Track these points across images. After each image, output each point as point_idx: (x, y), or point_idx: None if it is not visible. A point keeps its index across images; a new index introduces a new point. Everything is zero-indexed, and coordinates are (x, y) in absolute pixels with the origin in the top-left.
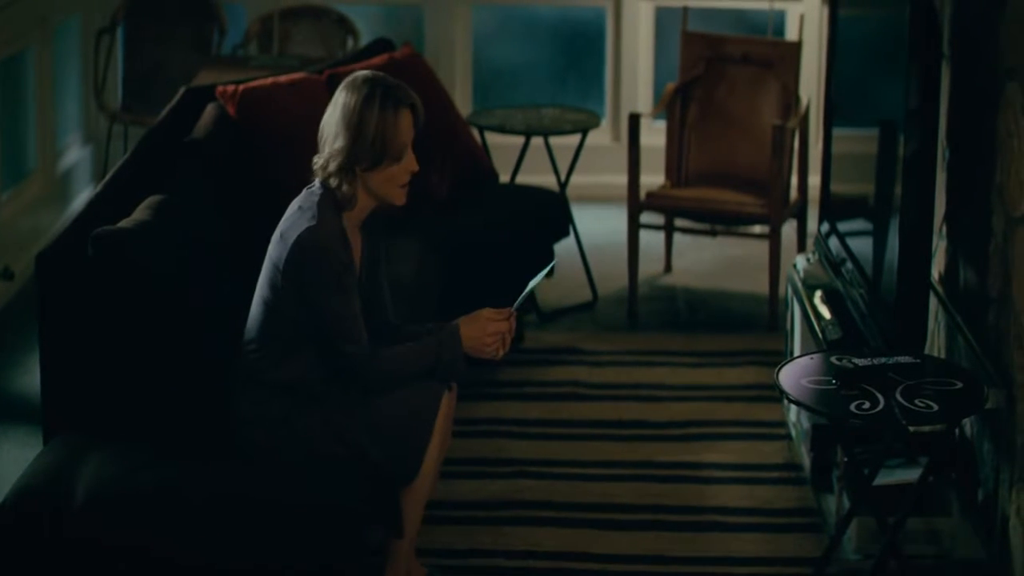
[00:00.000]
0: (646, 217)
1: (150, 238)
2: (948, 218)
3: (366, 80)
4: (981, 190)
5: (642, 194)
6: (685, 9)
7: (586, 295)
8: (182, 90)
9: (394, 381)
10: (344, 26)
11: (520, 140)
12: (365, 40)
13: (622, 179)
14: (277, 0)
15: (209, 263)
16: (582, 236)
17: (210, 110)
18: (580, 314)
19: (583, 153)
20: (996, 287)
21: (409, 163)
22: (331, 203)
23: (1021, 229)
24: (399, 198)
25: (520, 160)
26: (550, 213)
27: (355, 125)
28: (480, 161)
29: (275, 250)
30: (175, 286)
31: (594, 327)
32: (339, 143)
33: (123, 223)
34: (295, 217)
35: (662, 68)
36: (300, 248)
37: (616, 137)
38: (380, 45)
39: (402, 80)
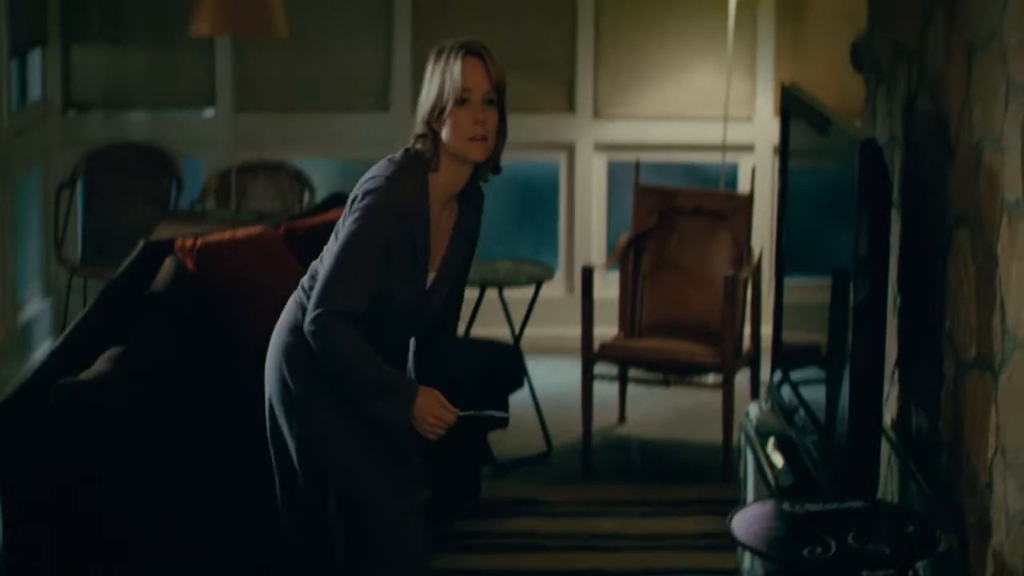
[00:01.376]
0: (600, 368)
1: (111, 389)
2: (900, 364)
3: (439, 44)
4: (932, 336)
5: (596, 345)
6: (637, 163)
7: (541, 446)
8: (141, 243)
9: (336, 360)
10: (300, 181)
11: (475, 292)
12: (321, 194)
13: (576, 331)
14: (234, 156)
15: (170, 414)
16: (536, 387)
17: (169, 263)
18: (535, 465)
19: (537, 305)
20: (948, 431)
21: (474, 111)
22: (413, 164)
23: (972, 374)
24: (472, 151)
25: (475, 312)
26: (504, 365)
27: (426, 80)
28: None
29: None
30: (136, 437)
31: (549, 478)
32: (419, 105)
33: (84, 374)
34: (370, 175)
35: (615, 220)
36: (360, 198)
37: (570, 289)
38: (337, 199)
39: None
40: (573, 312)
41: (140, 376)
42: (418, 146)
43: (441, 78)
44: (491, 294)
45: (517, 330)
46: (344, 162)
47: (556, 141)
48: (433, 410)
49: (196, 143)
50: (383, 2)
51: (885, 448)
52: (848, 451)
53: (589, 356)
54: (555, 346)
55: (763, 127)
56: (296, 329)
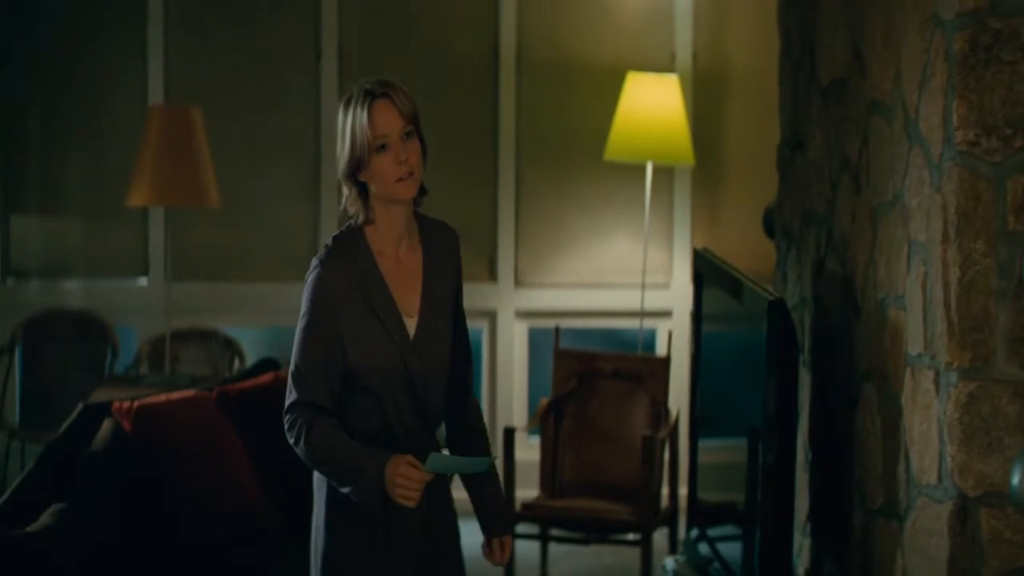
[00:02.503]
0: (522, 527)
1: (55, 543)
2: (812, 516)
3: (347, 92)
4: (842, 487)
5: (518, 505)
6: (557, 329)
7: None
8: (80, 406)
9: (310, 454)
10: (231, 348)
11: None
12: (251, 360)
13: None
14: (167, 323)
15: (111, 568)
16: (462, 547)
17: (107, 425)
18: None
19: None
20: None
21: (395, 152)
22: (344, 233)
23: (879, 521)
24: (401, 191)
25: None
26: None
27: (339, 135)
28: None
29: None
30: None
31: None
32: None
33: (29, 528)
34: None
35: (536, 384)
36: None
37: (493, 451)
38: (267, 364)
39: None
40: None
41: (82, 530)
42: (351, 203)
43: (352, 131)
44: None
45: None
46: (272, 329)
47: (479, 309)
48: (399, 471)
49: (130, 311)
50: (310, 174)
51: None
52: None
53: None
54: None
55: (680, 293)
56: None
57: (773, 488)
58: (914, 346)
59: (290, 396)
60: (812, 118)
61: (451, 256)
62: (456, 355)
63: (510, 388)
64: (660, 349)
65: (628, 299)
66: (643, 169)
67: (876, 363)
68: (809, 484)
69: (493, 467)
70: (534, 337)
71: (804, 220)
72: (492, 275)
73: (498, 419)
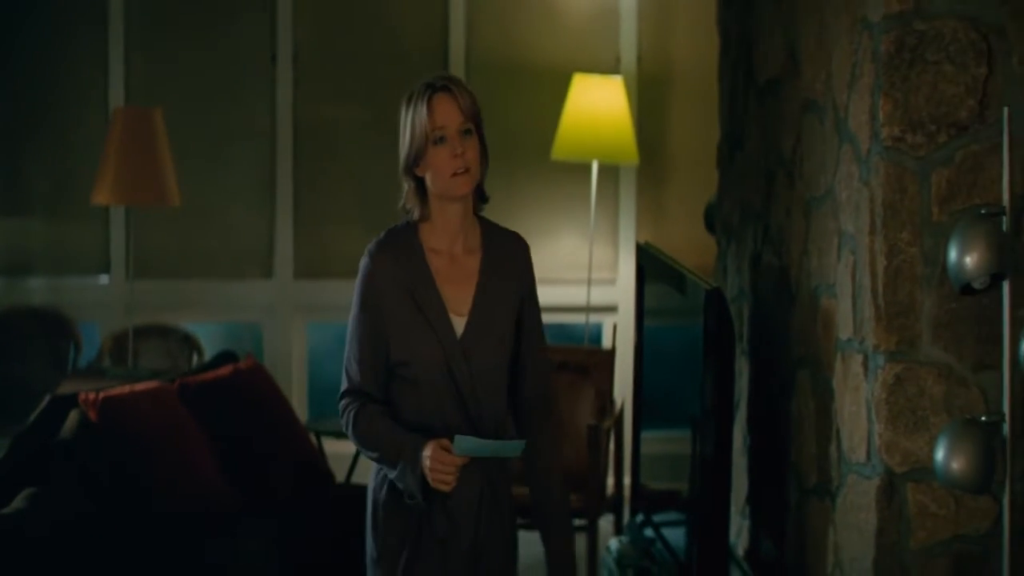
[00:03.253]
0: None
1: (27, 523)
2: (751, 498)
3: (410, 88)
4: (779, 469)
5: None
6: None
7: None
8: (48, 397)
9: (357, 439)
10: (189, 343)
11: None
12: (209, 354)
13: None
14: (129, 319)
15: (80, 548)
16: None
17: (73, 415)
18: None
19: None
20: (793, 555)
21: (452, 146)
22: (398, 226)
23: (812, 499)
24: (456, 187)
25: (354, 463)
26: None
27: (401, 128)
28: (317, 463)
29: None
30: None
31: None
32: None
33: (3, 510)
34: None
35: None
36: None
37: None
38: (225, 357)
39: (246, 387)
40: None
41: (53, 511)
42: (407, 200)
43: (412, 123)
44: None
45: None
46: (230, 324)
47: None
48: (431, 455)
49: (92, 308)
50: (266, 174)
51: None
52: (697, 566)
53: None
54: None
55: (625, 288)
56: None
57: (710, 472)
58: (844, 332)
59: (342, 384)
60: (749, 117)
61: (515, 263)
62: (521, 365)
63: None
64: (606, 343)
65: (575, 295)
66: (589, 168)
67: (810, 349)
68: (748, 468)
69: (569, 516)
70: None
71: (742, 215)
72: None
73: None
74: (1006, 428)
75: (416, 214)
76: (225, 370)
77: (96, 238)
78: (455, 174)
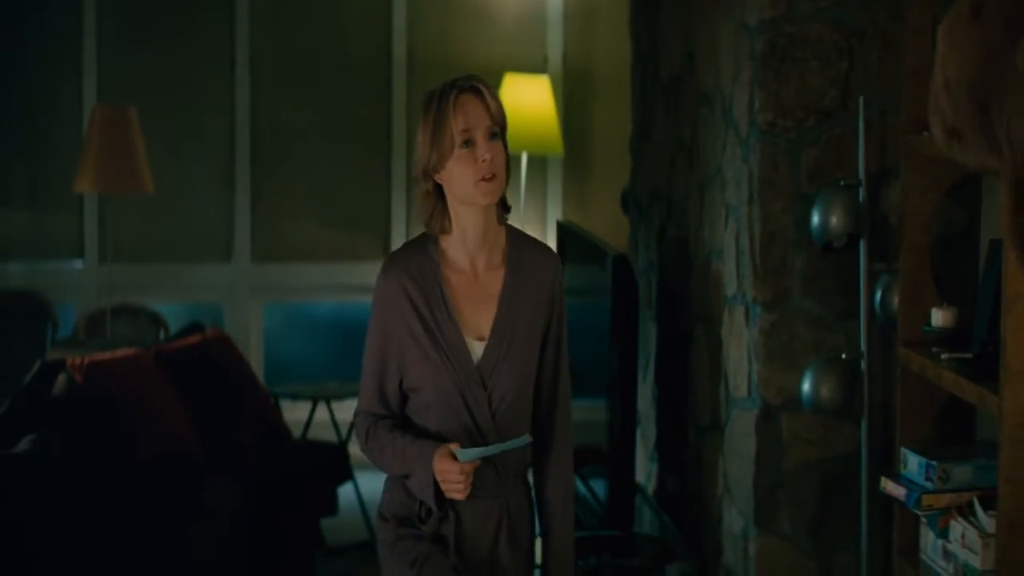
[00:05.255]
0: None
1: (32, 462)
2: (658, 444)
3: (429, 90)
4: (682, 415)
5: None
6: None
7: (363, 534)
8: (38, 363)
9: (373, 457)
10: (157, 321)
11: (307, 406)
12: (174, 333)
13: None
14: (105, 299)
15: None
16: (363, 488)
17: (61, 378)
18: (361, 550)
19: None
20: (692, 485)
21: (480, 150)
22: (417, 238)
23: (707, 435)
24: (481, 194)
25: (308, 424)
26: (333, 462)
27: (420, 131)
28: (276, 420)
29: None
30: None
31: (375, 563)
32: (415, 156)
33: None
34: None
35: None
36: None
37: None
38: (193, 328)
39: (213, 354)
40: None
41: (50, 452)
42: (425, 207)
43: (435, 125)
44: (321, 410)
45: (343, 436)
46: (193, 304)
47: (371, 285)
48: (438, 467)
49: (67, 290)
50: (225, 168)
51: (647, 512)
52: (608, 502)
53: None
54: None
55: None
56: None
57: (616, 436)
58: (730, 289)
59: (358, 403)
60: (656, 109)
61: (543, 282)
62: (543, 388)
63: None
64: None
65: None
66: (519, 159)
67: (704, 307)
68: (656, 418)
69: (572, 517)
70: None
71: (650, 196)
72: (386, 253)
73: None
74: (863, 364)
75: (435, 226)
76: (194, 339)
77: (71, 225)
78: (482, 179)
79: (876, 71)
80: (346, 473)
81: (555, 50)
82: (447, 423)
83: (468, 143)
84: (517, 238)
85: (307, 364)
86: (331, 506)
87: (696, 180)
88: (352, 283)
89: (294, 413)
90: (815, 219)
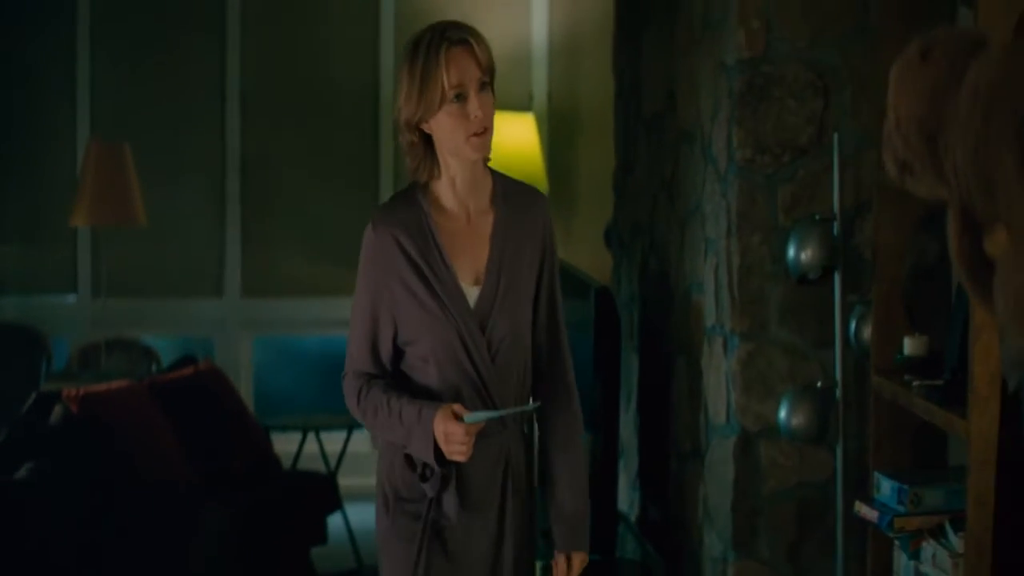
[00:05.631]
0: None
1: (32, 488)
2: (640, 472)
3: (413, 36)
4: (664, 444)
5: None
6: None
7: (352, 563)
8: (35, 394)
9: (365, 419)
10: (149, 355)
11: (297, 437)
12: (166, 367)
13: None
14: (93, 333)
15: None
16: (351, 518)
17: (58, 409)
18: None
19: (349, 457)
20: (675, 512)
21: (471, 104)
22: (408, 189)
23: (687, 463)
24: (472, 148)
25: (299, 452)
26: (323, 491)
27: (403, 81)
28: (267, 451)
29: None
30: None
31: None
32: (396, 104)
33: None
34: None
35: None
36: None
37: (375, 445)
38: (186, 360)
39: (206, 385)
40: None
41: (49, 478)
42: (408, 163)
43: (423, 77)
44: (310, 441)
45: (333, 467)
46: (185, 338)
47: None
48: (440, 429)
49: (61, 323)
50: (217, 201)
51: (630, 539)
52: (592, 529)
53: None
54: (367, 492)
55: None
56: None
57: (600, 446)
58: (709, 320)
59: (345, 365)
60: (639, 146)
61: (533, 222)
62: (540, 336)
63: None
64: None
65: None
66: None
67: (684, 338)
68: (638, 447)
69: (581, 470)
70: None
71: (633, 231)
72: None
73: None
74: (838, 392)
75: (423, 173)
76: (187, 371)
77: (65, 260)
78: (473, 135)
79: (850, 109)
80: (335, 503)
81: (540, 88)
82: (446, 373)
83: (460, 97)
84: (504, 180)
85: (296, 397)
86: (320, 535)
87: (677, 215)
88: (340, 318)
89: (284, 444)
90: (791, 252)
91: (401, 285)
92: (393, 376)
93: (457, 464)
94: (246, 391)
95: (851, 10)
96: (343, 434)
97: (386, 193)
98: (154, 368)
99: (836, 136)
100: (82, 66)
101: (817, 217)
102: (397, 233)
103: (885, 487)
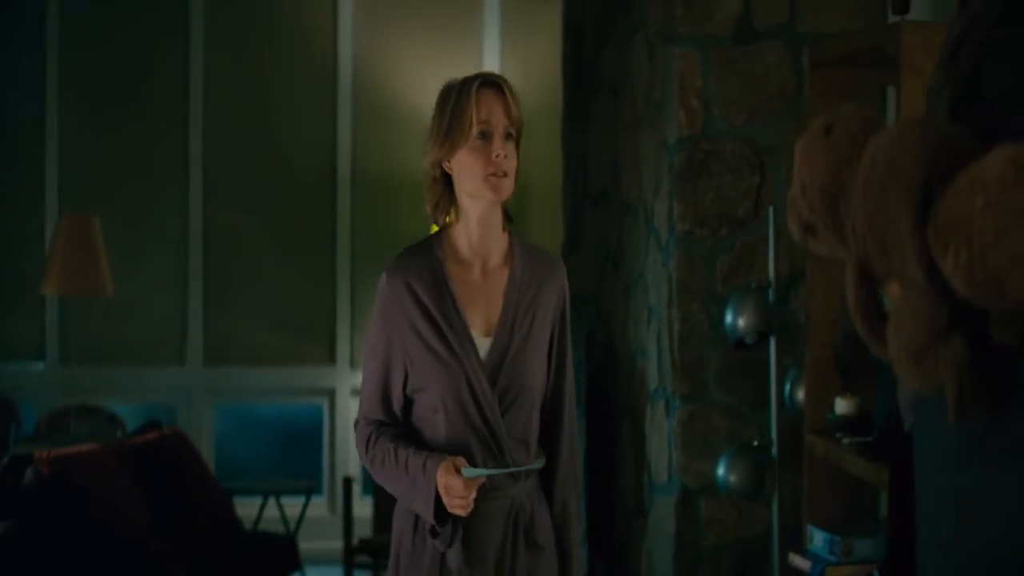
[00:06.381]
0: (360, 558)
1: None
2: (588, 533)
3: (446, 82)
4: (609, 504)
5: (355, 541)
6: None
7: None
8: (6, 458)
9: (372, 467)
10: (114, 421)
11: (257, 501)
12: (130, 430)
13: (338, 543)
14: (61, 400)
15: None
16: None
17: (29, 471)
18: None
19: (307, 522)
20: (618, 570)
21: (494, 146)
22: (426, 239)
23: (633, 521)
24: (490, 188)
25: (259, 515)
26: (283, 552)
27: (434, 121)
28: (229, 513)
29: None
30: None
31: None
32: (425, 148)
33: None
34: None
35: None
36: None
37: (333, 509)
38: (151, 425)
39: (171, 449)
40: (336, 527)
41: (21, 539)
42: (427, 207)
43: (453, 114)
44: (270, 506)
45: (291, 529)
46: (148, 405)
47: (319, 387)
48: (442, 483)
49: (29, 391)
50: (180, 274)
51: None
52: None
53: (350, 546)
54: (323, 555)
55: None
56: None
57: None
58: (652, 384)
59: (358, 411)
60: (585, 220)
61: (551, 284)
62: (548, 402)
63: (347, 454)
64: None
65: None
66: None
67: (629, 402)
68: (587, 506)
69: (575, 518)
70: None
71: (580, 301)
72: (331, 358)
73: (337, 481)
74: (774, 451)
75: (441, 215)
76: (153, 435)
77: (33, 328)
78: (492, 175)
79: (785, 183)
80: (295, 564)
81: None
82: (455, 423)
83: (484, 135)
84: (522, 242)
85: (256, 462)
86: None
87: (621, 284)
88: (299, 386)
89: (245, 508)
90: (729, 318)
91: (413, 332)
92: (404, 427)
93: (464, 518)
94: (208, 456)
95: (785, 91)
96: (302, 498)
97: (343, 265)
98: (119, 433)
99: (771, 209)
100: (50, 143)
101: (753, 285)
102: (411, 280)
103: (818, 539)
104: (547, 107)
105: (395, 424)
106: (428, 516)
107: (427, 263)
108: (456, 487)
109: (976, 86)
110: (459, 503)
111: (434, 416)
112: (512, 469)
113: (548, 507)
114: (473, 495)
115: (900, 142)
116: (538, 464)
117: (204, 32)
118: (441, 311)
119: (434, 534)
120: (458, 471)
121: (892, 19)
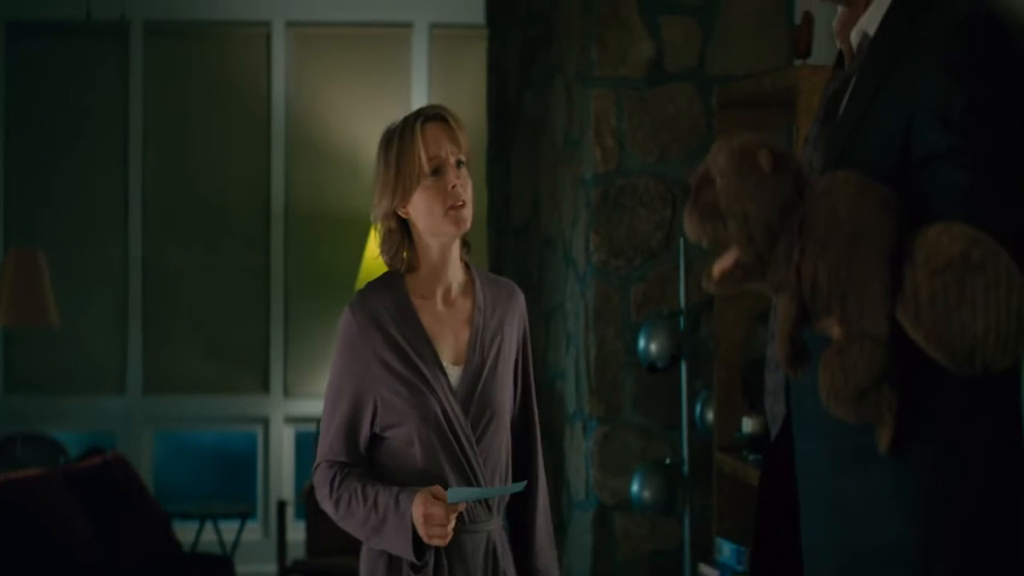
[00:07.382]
0: None
1: None
2: None
3: (387, 127)
4: None
5: (289, 561)
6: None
7: None
8: None
9: (336, 510)
10: (57, 448)
11: (195, 525)
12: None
13: (272, 567)
14: (6, 428)
15: None
16: None
17: None
18: None
19: (241, 546)
20: None
21: (449, 177)
22: (386, 275)
23: (556, 537)
24: (452, 224)
25: (197, 537)
26: (221, 573)
27: (379, 167)
28: (169, 534)
29: None
30: None
31: None
32: (373, 200)
33: None
34: None
35: (302, 478)
36: None
37: (267, 533)
38: (94, 451)
39: (113, 473)
40: (271, 550)
41: None
42: (383, 255)
43: (398, 157)
44: (208, 532)
45: (228, 551)
46: (90, 433)
47: (252, 416)
48: (421, 511)
49: None
50: (119, 301)
51: None
52: None
53: (284, 568)
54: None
55: None
56: None
57: None
58: (571, 407)
59: (317, 455)
60: (508, 253)
61: (513, 312)
62: (518, 414)
63: (280, 482)
64: None
65: None
66: None
67: (549, 424)
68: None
69: (547, 530)
70: (300, 439)
71: None
72: (265, 387)
73: (271, 505)
74: (685, 469)
75: (400, 264)
76: (96, 460)
77: None
78: (452, 207)
79: None
80: None
81: None
82: (431, 454)
83: (437, 171)
84: (480, 272)
85: (193, 487)
86: None
87: (542, 312)
88: (234, 414)
89: (183, 532)
90: (642, 344)
91: (382, 366)
92: (368, 467)
93: (445, 553)
94: (147, 481)
95: (696, 130)
96: (238, 522)
97: (277, 297)
98: (62, 460)
99: (682, 241)
100: None
101: (665, 313)
102: (377, 313)
103: (726, 550)
104: (472, 144)
105: (359, 464)
106: (406, 552)
107: (392, 296)
108: (437, 515)
109: (852, 144)
110: (438, 532)
111: (408, 449)
112: (494, 490)
113: (521, 531)
114: (452, 523)
115: (861, 204)
116: (519, 486)
117: (143, 73)
118: (410, 342)
119: (415, 569)
120: (437, 499)
121: (796, 63)
